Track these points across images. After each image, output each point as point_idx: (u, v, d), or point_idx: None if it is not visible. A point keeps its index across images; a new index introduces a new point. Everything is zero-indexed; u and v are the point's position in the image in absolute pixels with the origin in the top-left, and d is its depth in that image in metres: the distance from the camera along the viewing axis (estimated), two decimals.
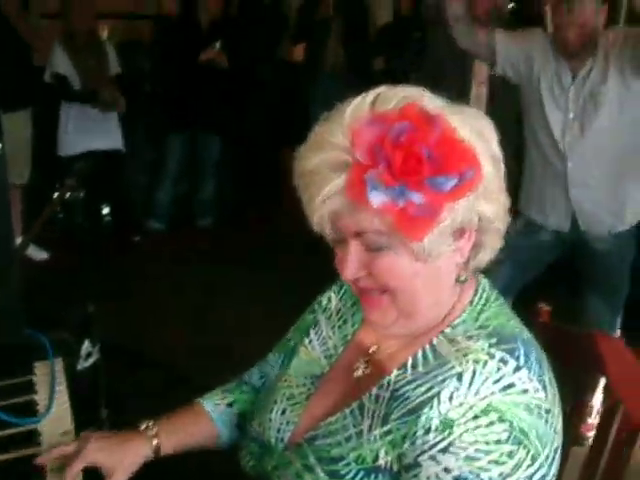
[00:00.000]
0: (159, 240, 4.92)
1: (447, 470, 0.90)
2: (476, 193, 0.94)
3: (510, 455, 0.90)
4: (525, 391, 0.93)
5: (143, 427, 1.24)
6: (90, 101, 4.35)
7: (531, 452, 0.91)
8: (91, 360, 1.74)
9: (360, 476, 0.98)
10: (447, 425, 0.92)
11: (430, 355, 1.01)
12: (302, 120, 5.61)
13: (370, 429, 0.99)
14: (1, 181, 2.01)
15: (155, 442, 1.22)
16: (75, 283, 1.89)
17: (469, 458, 0.90)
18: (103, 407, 1.78)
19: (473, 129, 0.94)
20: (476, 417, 0.91)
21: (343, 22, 5.32)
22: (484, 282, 1.08)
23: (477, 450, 0.90)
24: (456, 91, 3.55)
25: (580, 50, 2.43)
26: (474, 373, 0.93)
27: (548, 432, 0.93)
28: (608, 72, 2.43)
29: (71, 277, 1.89)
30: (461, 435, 0.91)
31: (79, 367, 1.69)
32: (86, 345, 1.73)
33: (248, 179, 5.58)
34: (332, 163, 0.92)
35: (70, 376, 1.55)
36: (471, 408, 0.92)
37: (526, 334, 1.01)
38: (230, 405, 1.33)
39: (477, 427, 0.90)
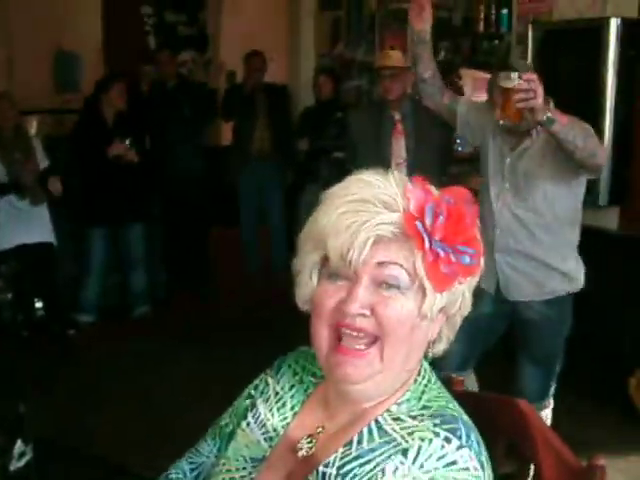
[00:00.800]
0: (93, 333, 4.85)
1: None
2: (471, 281, 1.06)
3: None
4: (466, 469, 0.97)
5: None
6: (18, 192, 4.38)
7: None
8: (24, 460, 1.72)
9: None
10: None
11: (375, 432, 1.04)
12: (230, 201, 5.73)
13: None
14: None
15: None
16: (8, 380, 1.88)
17: None
18: None
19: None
20: None
21: (268, 108, 5.49)
22: (425, 364, 1.13)
23: None
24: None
25: (517, 126, 2.57)
26: (419, 449, 0.98)
27: None
28: (545, 158, 2.59)
29: (3, 374, 1.88)
30: None
31: (12, 468, 1.66)
32: (18, 445, 1.71)
33: (178, 262, 5.60)
34: (384, 201, 1.01)
35: (3, 477, 1.54)
36: None
37: (465, 416, 1.07)
38: None
39: None
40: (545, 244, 2.69)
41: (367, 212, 1.00)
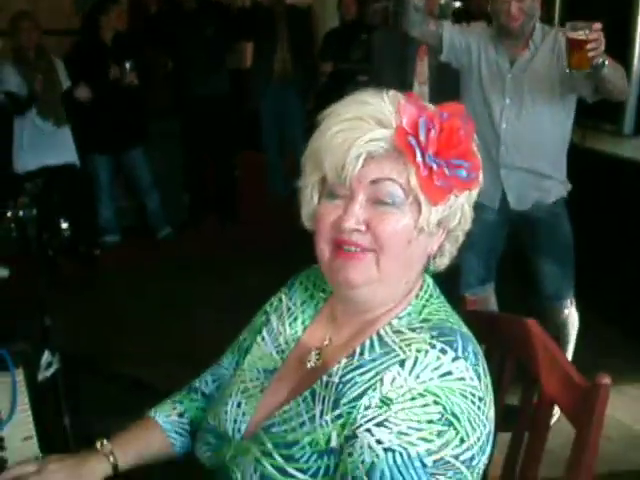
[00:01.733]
0: (119, 253, 4.98)
1: (379, 442, 0.98)
2: (469, 195, 1.08)
3: (439, 434, 0.98)
4: (461, 379, 1.01)
5: (98, 446, 1.28)
6: (40, 111, 4.42)
7: (460, 434, 0.99)
8: (51, 370, 1.78)
9: (314, 458, 1.04)
10: (385, 403, 1.00)
11: (377, 344, 1.08)
12: (254, 126, 5.72)
13: (322, 414, 1.06)
14: None
15: (112, 459, 1.27)
16: (35, 298, 1.94)
17: (401, 433, 0.98)
18: (65, 415, 1.83)
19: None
20: (413, 398, 0.99)
21: (289, 30, 5.41)
22: (429, 280, 1.17)
23: (409, 427, 0.98)
24: (400, 91, 3.69)
25: (519, 33, 2.62)
26: (416, 360, 1.01)
27: (480, 418, 1.01)
28: (551, 69, 2.62)
29: (31, 292, 1.95)
30: (397, 412, 0.99)
31: (40, 377, 1.73)
32: (46, 355, 1.77)
33: (203, 186, 5.64)
34: (377, 118, 1.03)
35: (31, 386, 1.61)
36: (410, 390, 0.99)
37: (464, 329, 1.10)
38: (181, 415, 1.37)
39: (412, 407, 0.98)
40: (548, 157, 2.77)
41: (359, 129, 1.03)
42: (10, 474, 1.24)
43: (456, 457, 0.99)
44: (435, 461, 0.98)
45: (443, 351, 1.02)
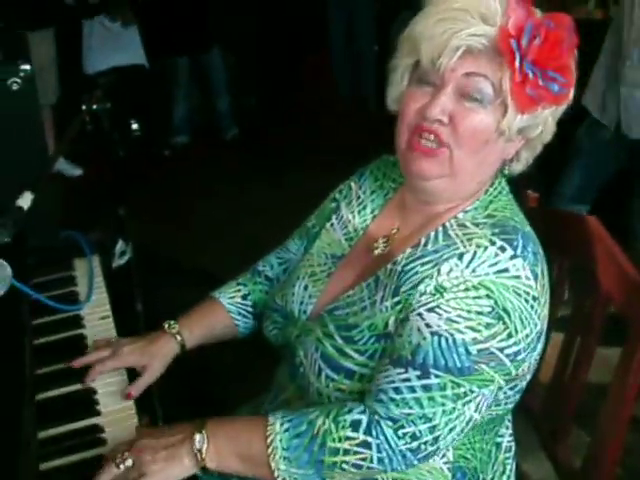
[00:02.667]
0: (187, 153, 5.07)
1: (428, 325, 1.03)
2: (556, 109, 1.08)
3: (487, 326, 1.02)
4: (517, 277, 1.03)
5: (166, 327, 1.37)
6: (109, 12, 4.44)
7: (509, 329, 1.02)
8: (125, 258, 1.86)
9: (372, 341, 1.10)
10: (439, 291, 1.04)
11: (440, 236, 1.11)
12: (320, 29, 5.61)
13: (382, 300, 1.11)
14: (33, 100, 2.13)
15: (179, 338, 1.35)
16: (109, 194, 2.02)
17: (450, 320, 1.02)
18: (137, 301, 1.93)
19: None
20: (467, 289, 1.03)
21: None
22: (503, 179, 1.18)
23: (459, 315, 1.02)
24: None
25: None
26: (474, 255, 1.04)
27: (532, 317, 1.04)
28: None
29: (104, 189, 2.02)
30: (448, 301, 1.03)
31: (114, 264, 1.81)
32: (120, 244, 1.84)
33: (270, 89, 5.63)
34: (483, 13, 1.03)
35: (106, 272, 1.71)
36: (464, 282, 1.03)
37: (527, 229, 1.11)
38: (244, 297, 1.44)
39: (465, 297, 1.02)
40: None
41: (463, 22, 1.02)
42: (87, 359, 1.33)
43: (501, 350, 1.03)
44: (479, 350, 1.02)
45: (502, 248, 1.04)
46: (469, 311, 1.02)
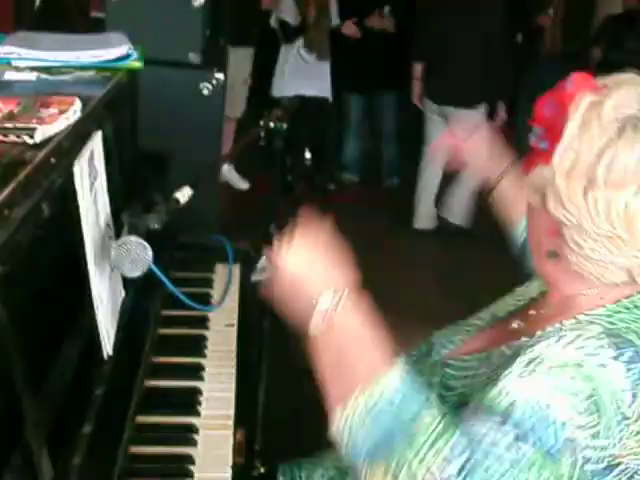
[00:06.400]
0: (352, 191, 5.13)
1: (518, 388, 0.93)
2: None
3: (582, 411, 0.90)
4: (603, 367, 0.92)
5: None
6: (307, 44, 4.64)
7: (597, 428, 0.90)
8: (265, 275, 1.88)
9: (455, 407, 1.02)
10: (534, 360, 0.95)
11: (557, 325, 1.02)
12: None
13: (480, 377, 1.07)
14: (219, 108, 2.25)
15: None
16: (266, 211, 2.06)
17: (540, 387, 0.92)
18: (266, 319, 1.95)
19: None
20: (565, 365, 0.93)
21: (565, 9, 5.12)
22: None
23: (554, 387, 0.91)
24: None
25: None
26: (577, 337, 0.95)
27: (613, 433, 0.92)
28: None
29: (264, 205, 2.07)
30: (544, 370, 0.93)
31: (253, 278, 1.83)
32: (263, 260, 1.87)
33: None
34: None
35: (243, 283, 1.74)
36: (564, 355, 0.94)
37: None
38: None
39: (561, 372, 0.92)
40: None
41: None
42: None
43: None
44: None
45: (606, 346, 0.94)
46: (563, 388, 0.92)
